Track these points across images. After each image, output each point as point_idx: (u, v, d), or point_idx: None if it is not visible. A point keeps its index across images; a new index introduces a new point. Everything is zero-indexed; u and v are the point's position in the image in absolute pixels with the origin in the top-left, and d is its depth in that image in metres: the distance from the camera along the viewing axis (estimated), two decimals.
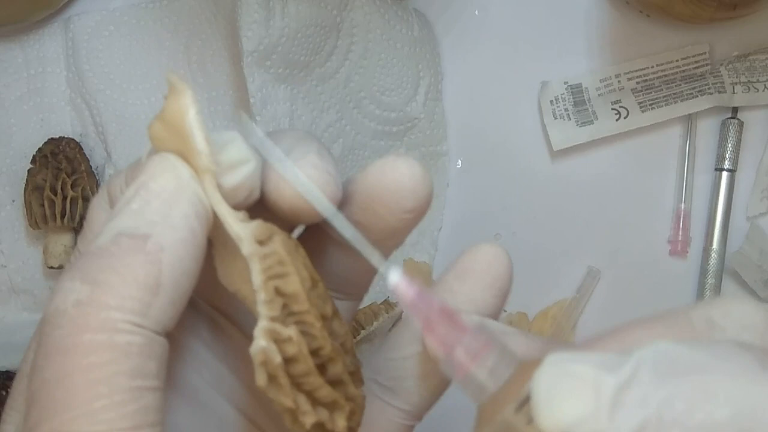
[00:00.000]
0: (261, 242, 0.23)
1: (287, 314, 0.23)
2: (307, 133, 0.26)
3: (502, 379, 0.21)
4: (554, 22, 0.56)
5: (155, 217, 0.23)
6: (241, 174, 0.24)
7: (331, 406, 0.23)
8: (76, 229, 0.54)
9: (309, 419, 0.23)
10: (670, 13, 0.51)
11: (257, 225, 0.23)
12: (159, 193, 0.23)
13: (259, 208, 0.25)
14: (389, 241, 0.27)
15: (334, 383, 0.23)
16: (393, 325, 0.29)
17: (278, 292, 0.23)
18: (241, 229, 0.23)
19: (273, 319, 0.22)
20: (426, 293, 0.23)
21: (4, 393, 0.53)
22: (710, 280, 0.55)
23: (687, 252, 0.55)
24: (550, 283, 0.56)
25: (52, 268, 0.54)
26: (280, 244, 0.23)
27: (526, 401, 0.20)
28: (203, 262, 0.24)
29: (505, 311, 0.57)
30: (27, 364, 0.26)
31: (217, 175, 0.23)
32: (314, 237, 0.28)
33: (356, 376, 0.24)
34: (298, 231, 0.28)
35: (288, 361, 0.22)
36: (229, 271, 0.24)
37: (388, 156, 0.25)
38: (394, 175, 0.25)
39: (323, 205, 0.24)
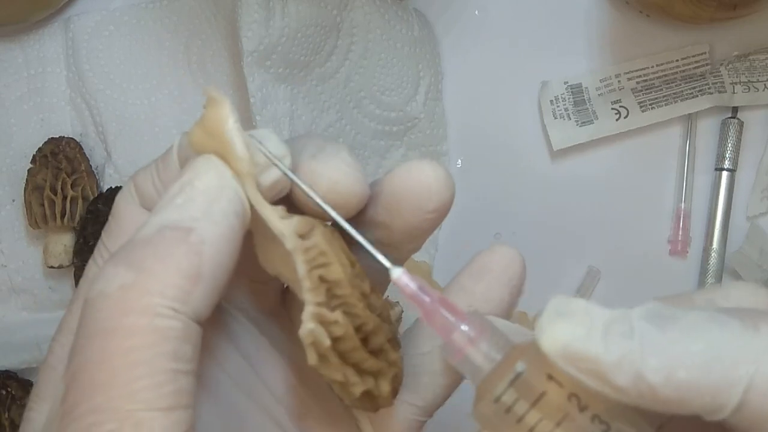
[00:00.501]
0: (302, 236, 0.25)
1: (331, 297, 0.25)
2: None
3: (496, 360, 0.23)
4: (554, 22, 0.56)
5: (198, 213, 0.24)
6: (277, 172, 0.25)
7: (376, 374, 0.26)
8: (76, 228, 0.54)
9: (358, 389, 0.25)
10: (670, 13, 0.51)
11: (298, 221, 0.25)
12: (203, 190, 0.24)
13: (286, 200, 0.26)
14: (409, 243, 0.28)
15: (377, 352, 0.26)
16: (413, 324, 0.30)
17: (322, 279, 0.25)
18: (284, 226, 0.25)
19: (319, 304, 0.24)
20: (426, 286, 0.25)
21: (4, 392, 0.53)
22: (710, 280, 0.55)
23: (687, 252, 0.55)
24: (550, 283, 0.56)
25: (52, 267, 0.54)
26: (320, 236, 0.25)
27: (516, 378, 0.22)
28: (237, 260, 0.25)
29: None
30: (53, 356, 0.27)
31: (256, 174, 0.25)
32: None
33: (394, 342, 0.27)
34: None
35: (335, 340, 0.24)
36: (270, 257, 0.26)
37: (414, 159, 0.27)
38: (420, 177, 0.26)
39: (327, 208, 0.25)
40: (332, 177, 0.25)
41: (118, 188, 0.54)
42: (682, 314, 0.21)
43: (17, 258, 0.56)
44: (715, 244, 0.55)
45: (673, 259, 0.56)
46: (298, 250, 0.25)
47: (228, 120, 0.25)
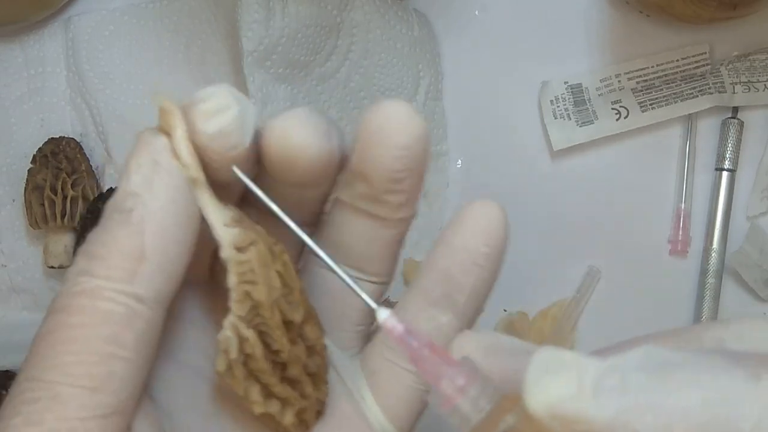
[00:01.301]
0: (239, 249, 0.25)
1: (254, 315, 0.25)
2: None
3: (485, 410, 0.22)
4: (554, 22, 0.56)
5: (138, 189, 0.24)
6: (219, 121, 0.24)
7: (284, 402, 0.26)
8: (77, 228, 0.54)
9: (257, 408, 0.26)
10: (670, 13, 0.51)
11: (239, 232, 0.25)
12: (138, 168, 0.25)
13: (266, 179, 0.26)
14: (392, 194, 0.27)
15: (292, 382, 0.26)
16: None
17: (248, 295, 0.25)
18: (224, 233, 0.25)
19: (240, 318, 0.25)
20: (413, 329, 0.24)
21: (4, 392, 0.53)
22: (710, 280, 0.55)
23: (687, 252, 0.55)
24: (550, 283, 0.56)
25: (52, 267, 0.54)
26: (255, 254, 0.25)
27: (507, 430, 0.21)
28: (197, 231, 0.25)
29: (505, 311, 0.57)
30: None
31: (198, 123, 0.25)
32: (336, 209, 0.29)
33: (317, 377, 0.27)
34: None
35: (247, 356, 0.25)
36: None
37: (383, 101, 0.26)
38: (387, 112, 0.26)
39: (299, 232, 0.26)
40: (283, 126, 0.25)
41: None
42: (680, 360, 0.20)
43: (17, 258, 0.56)
44: (715, 244, 0.55)
45: (673, 259, 0.56)
46: (232, 261, 0.25)
47: (176, 131, 0.25)
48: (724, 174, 0.55)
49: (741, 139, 0.54)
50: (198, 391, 0.28)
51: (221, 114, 0.25)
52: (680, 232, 0.55)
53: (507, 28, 0.56)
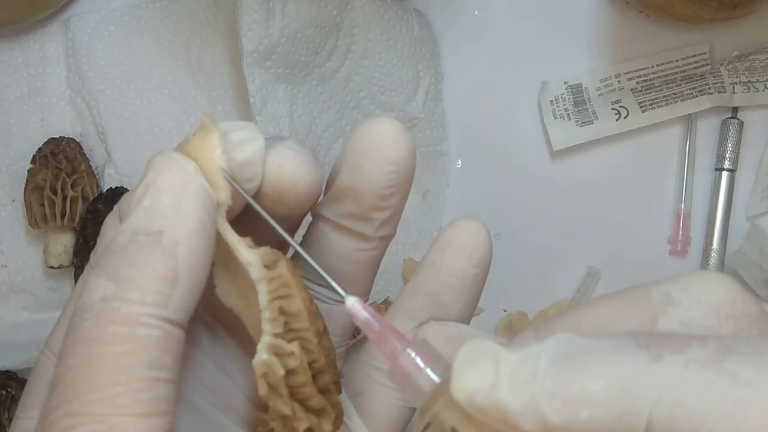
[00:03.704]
0: (268, 266, 0.25)
1: (288, 330, 0.25)
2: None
3: (435, 383, 0.24)
4: (554, 22, 0.56)
5: (166, 212, 0.24)
6: (250, 149, 0.25)
7: (320, 413, 0.26)
8: (76, 228, 0.54)
9: (302, 425, 0.25)
10: (670, 13, 0.51)
11: (264, 251, 0.25)
12: (167, 188, 0.24)
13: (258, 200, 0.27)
14: (379, 210, 0.28)
15: (323, 392, 0.26)
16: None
17: (282, 311, 0.25)
18: (250, 255, 0.25)
19: (276, 335, 0.25)
20: (376, 314, 0.25)
21: (4, 393, 0.53)
22: None
23: (687, 252, 0.55)
24: (550, 283, 0.56)
25: (52, 267, 0.54)
26: (285, 268, 0.25)
27: (436, 416, 0.23)
28: (211, 256, 0.25)
29: (505, 311, 0.57)
30: (40, 366, 0.28)
31: (228, 150, 0.25)
32: (317, 227, 0.29)
33: (338, 385, 0.27)
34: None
35: (288, 372, 0.25)
36: (227, 289, 0.27)
37: (371, 118, 0.27)
38: (377, 129, 0.27)
39: (284, 233, 0.26)
40: (276, 161, 0.26)
41: (118, 188, 0.54)
42: (590, 346, 0.21)
43: (17, 258, 0.56)
44: (715, 244, 0.55)
45: (673, 259, 0.56)
46: (263, 279, 0.25)
47: (215, 151, 0.25)
48: (724, 174, 0.55)
49: (741, 139, 0.54)
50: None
51: (249, 144, 0.25)
52: (680, 232, 0.55)
53: (507, 28, 0.56)
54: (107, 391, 0.22)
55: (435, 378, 0.24)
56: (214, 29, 0.55)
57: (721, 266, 0.55)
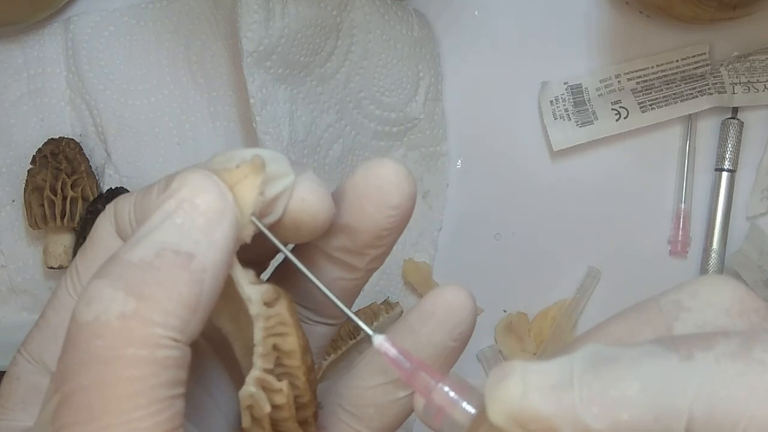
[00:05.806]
0: (267, 304, 0.25)
1: (278, 366, 0.25)
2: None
3: (472, 414, 0.24)
4: (554, 22, 0.56)
5: (200, 236, 0.23)
6: (281, 186, 0.25)
7: None
8: (76, 229, 0.54)
9: None
10: (670, 13, 0.51)
11: (267, 289, 0.25)
12: (205, 211, 0.24)
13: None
14: (374, 248, 0.28)
15: (302, 423, 0.26)
16: (360, 355, 0.31)
17: (275, 348, 0.25)
18: (252, 291, 0.25)
19: (266, 371, 0.25)
20: (405, 351, 0.25)
21: None
22: None
23: (687, 252, 0.55)
24: (550, 283, 0.56)
25: (51, 268, 0.54)
26: (285, 307, 0.25)
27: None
28: None
29: (505, 311, 0.57)
30: (18, 368, 0.28)
31: (262, 184, 0.25)
32: (306, 251, 0.29)
33: (316, 416, 0.27)
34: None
35: (274, 407, 0.25)
36: (218, 309, 0.26)
37: (374, 158, 0.27)
38: (380, 171, 0.26)
39: (303, 267, 0.26)
40: (300, 194, 0.26)
41: (118, 188, 0.54)
42: (620, 353, 0.21)
43: (17, 258, 0.56)
44: (715, 245, 0.55)
45: (673, 260, 0.56)
46: (261, 316, 0.25)
47: (255, 192, 0.25)
48: (724, 174, 0.55)
49: (741, 140, 0.54)
50: None
51: (281, 180, 0.25)
52: (680, 233, 0.55)
53: (507, 28, 0.56)
54: (128, 415, 0.22)
55: (471, 410, 0.24)
56: (214, 29, 0.55)
57: (721, 266, 0.55)
